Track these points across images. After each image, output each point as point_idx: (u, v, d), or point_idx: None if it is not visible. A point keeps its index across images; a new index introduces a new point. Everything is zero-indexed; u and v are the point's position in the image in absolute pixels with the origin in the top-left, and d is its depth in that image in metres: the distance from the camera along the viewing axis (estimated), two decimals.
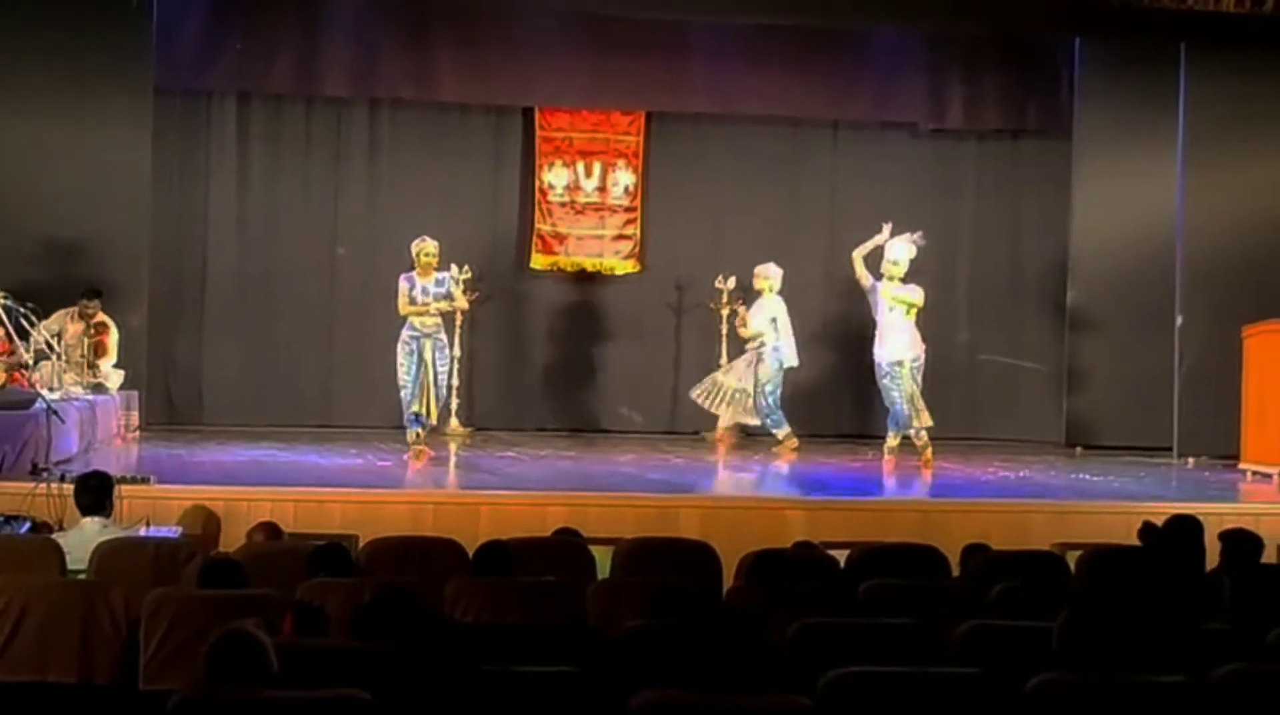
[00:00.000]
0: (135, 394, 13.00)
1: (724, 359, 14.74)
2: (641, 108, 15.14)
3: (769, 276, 13.26)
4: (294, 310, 14.72)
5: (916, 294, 12.25)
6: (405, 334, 11.63)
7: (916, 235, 12.34)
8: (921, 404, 12.21)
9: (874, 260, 12.38)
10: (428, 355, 11.52)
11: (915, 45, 14.99)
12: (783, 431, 13.09)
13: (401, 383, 11.64)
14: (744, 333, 13.31)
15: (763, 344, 13.08)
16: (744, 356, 13.30)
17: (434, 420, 11.94)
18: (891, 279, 12.19)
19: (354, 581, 5.78)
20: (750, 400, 13.08)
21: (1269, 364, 11.79)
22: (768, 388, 13.06)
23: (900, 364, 12.16)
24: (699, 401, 13.45)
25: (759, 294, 13.34)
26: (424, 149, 14.95)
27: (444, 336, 11.85)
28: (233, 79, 14.44)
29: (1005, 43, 14.90)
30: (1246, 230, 13.32)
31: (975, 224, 15.58)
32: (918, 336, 12.30)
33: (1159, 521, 6.70)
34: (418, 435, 11.60)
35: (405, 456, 11.52)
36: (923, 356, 12.30)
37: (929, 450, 12.17)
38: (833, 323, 15.34)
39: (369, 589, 5.23)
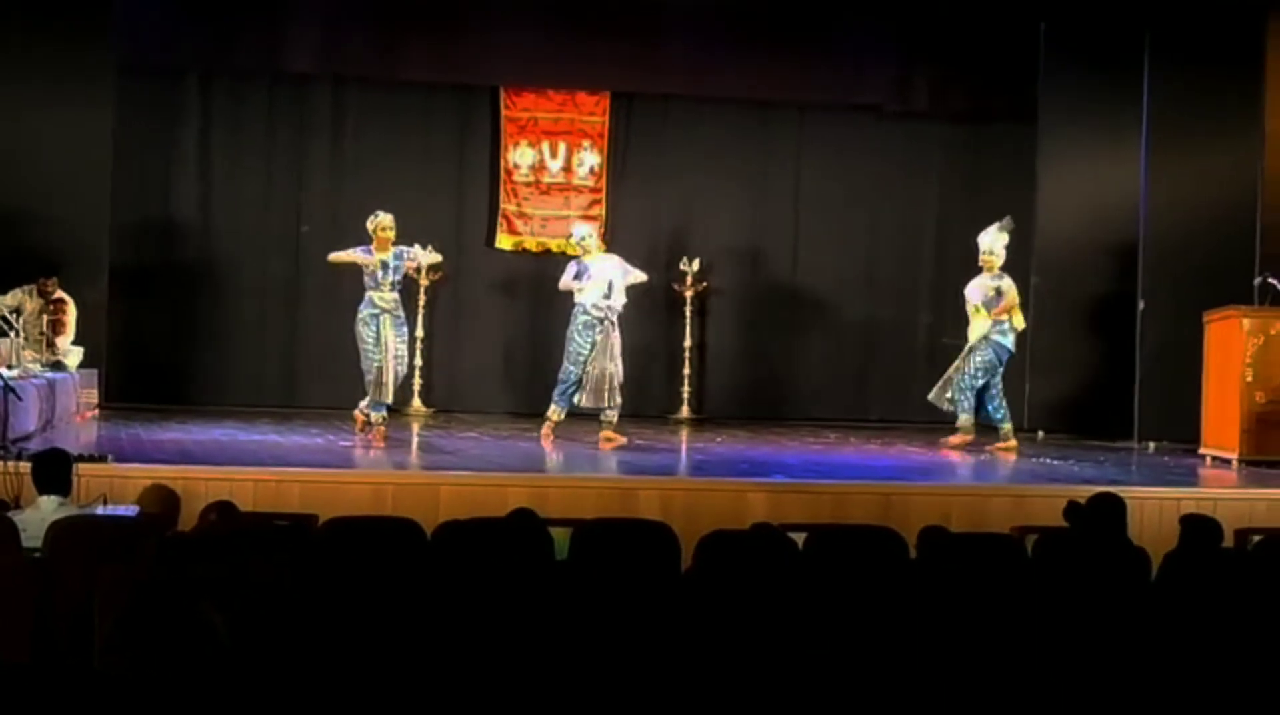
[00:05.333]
0: (95, 372, 12.94)
1: (688, 341, 14.77)
2: (608, 89, 15.15)
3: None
4: (257, 289, 14.68)
5: (973, 293, 12.29)
6: (364, 313, 11.32)
7: (1005, 221, 12.37)
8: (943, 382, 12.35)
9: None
10: (387, 332, 11.30)
11: (882, 29, 15.02)
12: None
13: (366, 366, 11.33)
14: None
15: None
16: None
17: (389, 399, 11.73)
18: (990, 270, 12.29)
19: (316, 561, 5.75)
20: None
21: (1229, 350, 11.84)
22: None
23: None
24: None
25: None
26: (389, 128, 14.93)
27: (403, 313, 11.52)
28: (196, 56, 14.38)
29: (971, 27, 14.93)
30: (1209, 217, 13.37)
31: (940, 207, 15.64)
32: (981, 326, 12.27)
33: None
34: (383, 418, 11.41)
35: (369, 436, 11.42)
36: (977, 345, 12.27)
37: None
38: (799, 303, 15.40)
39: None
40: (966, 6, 14.56)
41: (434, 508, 8.08)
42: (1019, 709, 4.20)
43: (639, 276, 11.95)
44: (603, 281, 11.62)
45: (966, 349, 12.26)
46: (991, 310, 12.11)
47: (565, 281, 11.81)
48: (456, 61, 14.62)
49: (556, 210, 15.15)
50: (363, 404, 11.47)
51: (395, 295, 11.37)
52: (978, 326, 12.22)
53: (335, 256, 11.54)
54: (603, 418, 11.66)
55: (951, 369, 12.39)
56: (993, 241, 12.24)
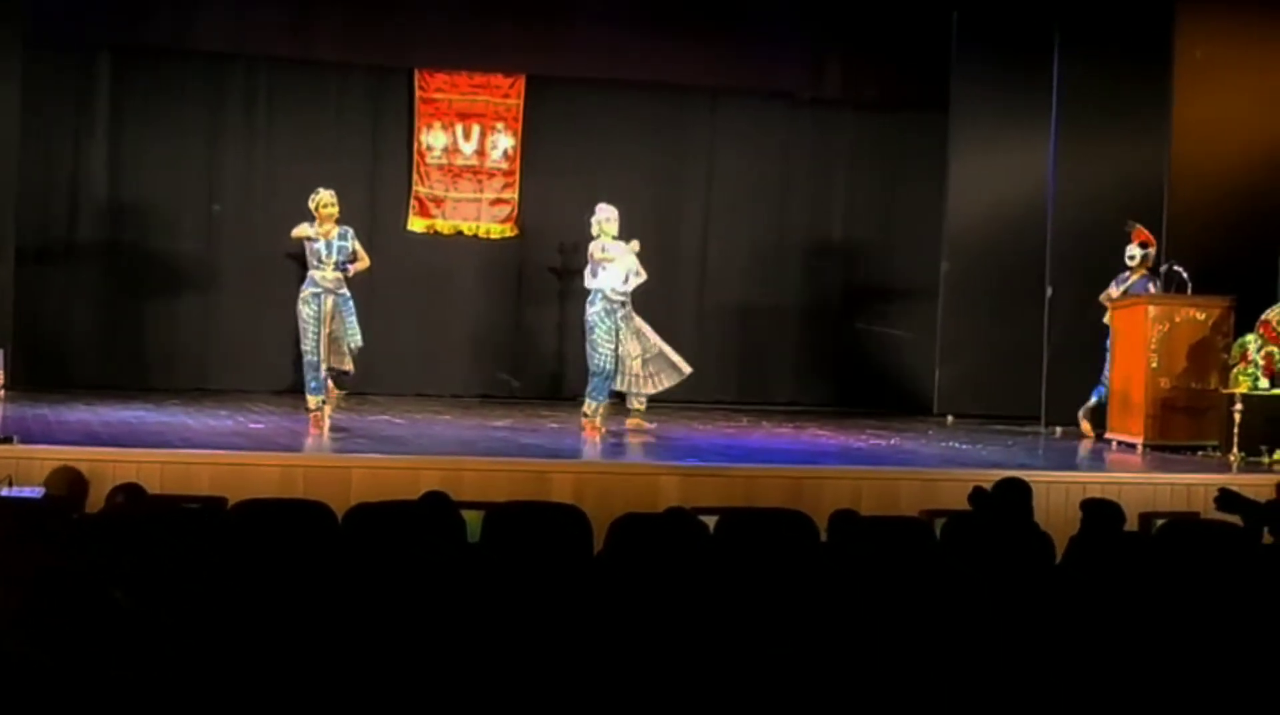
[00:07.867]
0: (0, 352, 12.74)
1: None
2: (522, 72, 15.09)
3: None
4: (168, 269, 14.51)
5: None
6: (307, 292, 10.95)
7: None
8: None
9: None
10: (329, 310, 10.90)
11: (795, 15, 15.08)
12: None
13: (306, 347, 11.01)
14: None
15: None
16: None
17: (352, 370, 11.29)
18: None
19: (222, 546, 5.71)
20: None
21: (1134, 337, 12.02)
22: None
23: None
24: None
25: None
26: (303, 108, 14.81)
27: (347, 290, 11.06)
28: (107, 31, 14.17)
29: (884, 15, 15.04)
30: (1116, 205, 13.52)
31: (851, 194, 15.75)
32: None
33: None
34: (322, 401, 11.01)
35: (308, 424, 11.10)
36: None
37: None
38: (711, 288, 15.45)
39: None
40: None
41: (345, 490, 8.05)
42: (926, 689, 4.25)
43: (643, 276, 11.80)
44: (622, 268, 11.58)
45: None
46: None
47: (594, 248, 11.61)
48: (370, 42, 14.53)
49: (469, 193, 15.10)
50: (313, 400, 11.12)
51: (338, 274, 10.99)
52: None
53: (295, 232, 11.08)
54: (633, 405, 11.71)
55: None
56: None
